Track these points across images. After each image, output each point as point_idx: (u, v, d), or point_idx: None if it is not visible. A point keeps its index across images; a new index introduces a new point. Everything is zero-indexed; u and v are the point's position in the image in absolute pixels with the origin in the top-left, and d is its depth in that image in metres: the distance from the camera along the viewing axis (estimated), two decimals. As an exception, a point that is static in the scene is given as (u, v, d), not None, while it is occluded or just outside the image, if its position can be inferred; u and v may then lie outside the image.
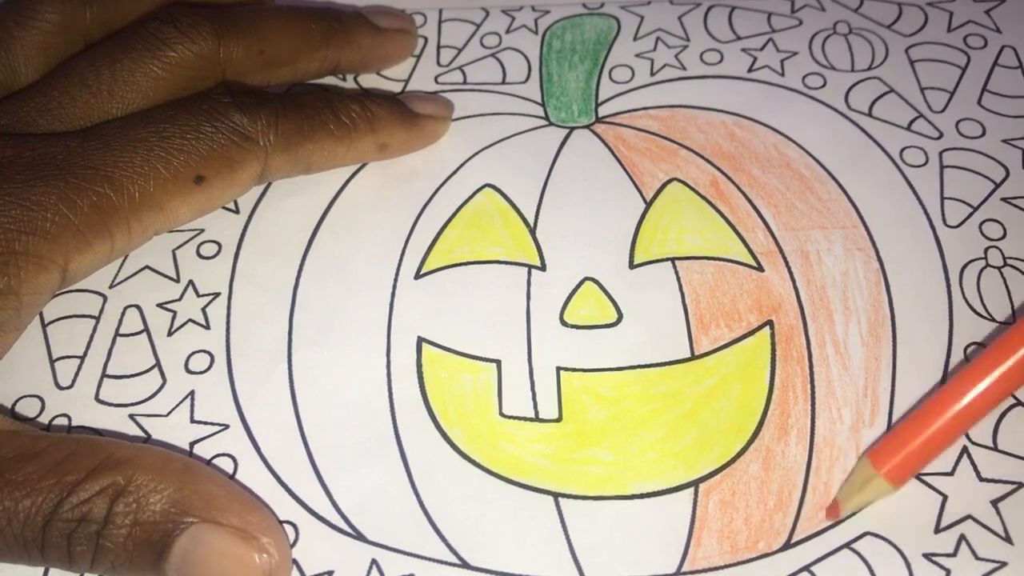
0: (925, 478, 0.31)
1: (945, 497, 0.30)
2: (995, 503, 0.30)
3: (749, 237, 0.36)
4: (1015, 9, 0.43)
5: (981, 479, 0.30)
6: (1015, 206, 0.36)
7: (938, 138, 0.38)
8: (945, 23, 0.42)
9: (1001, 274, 0.35)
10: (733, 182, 0.37)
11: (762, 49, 0.42)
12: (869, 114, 0.39)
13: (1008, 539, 0.29)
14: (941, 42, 0.42)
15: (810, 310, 0.34)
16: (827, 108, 0.40)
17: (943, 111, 0.39)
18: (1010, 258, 0.35)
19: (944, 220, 0.36)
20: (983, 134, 0.38)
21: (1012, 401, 0.32)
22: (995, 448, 0.31)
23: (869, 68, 0.41)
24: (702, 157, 0.38)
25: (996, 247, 0.35)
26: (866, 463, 0.30)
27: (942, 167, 0.38)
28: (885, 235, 0.36)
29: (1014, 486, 0.30)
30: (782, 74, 0.41)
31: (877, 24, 0.42)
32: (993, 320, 0.34)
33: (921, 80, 0.40)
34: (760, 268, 0.35)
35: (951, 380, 0.31)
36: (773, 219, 0.36)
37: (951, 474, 0.31)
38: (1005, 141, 0.38)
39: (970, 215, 0.36)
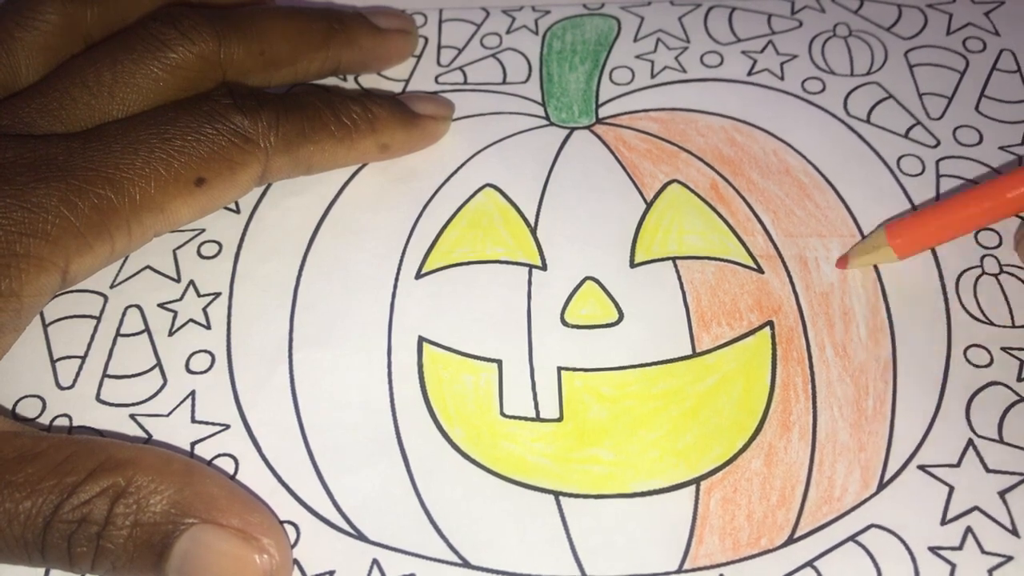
0: (931, 470, 0.31)
1: (952, 488, 0.30)
2: (1002, 494, 0.30)
3: (749, 240, 0.36)
4: (1014, 11, 0.43)
5: (988, 470, 0.31)
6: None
7: (935, 146, 0.38)
8: (944, 25, 0.42)
9: (998, 280, 0.35)
10: (733, 186, 0.37)
11: (762, 51, 0.42)
12: (868, 121, 0.39)
13: (1015, 532, 0.29)
14: (940, 45, 0.42)
15: (809, 314, 0.34)
16: (826, 114, 0.40)
17: (941, 118, 0.39)
18: (1006, 265, 0.35)
19: None
20: (980, 141, 0.38)
21: (1016, 397, 0.32)
22: (1000, 440, 0.31)
23: (868, 73, 0.41)
24: (702, 160, 0.38)
25: (992, 255, 0.35)
26: (881, 232, 0.34)
27: (938, 176, 0.37)
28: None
29: (1021, 477, 0.30)
30: (782, 78, 0.41)
31: (877, 26, 0.42)
32: (991, 324, 0.34)
33: (920, 85, 0.40)
34: (760, 270, 0.35)
35: (978, 186, 0.35)
36: (772, 224, 0.36)
37: (957, 465, 0.31)
38: (1002, 148, 0.38)
39: (965, 224, 0.36)
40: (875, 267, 0.35)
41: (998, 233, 0.36)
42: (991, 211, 0.34)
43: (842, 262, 0.35)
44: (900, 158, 0.38)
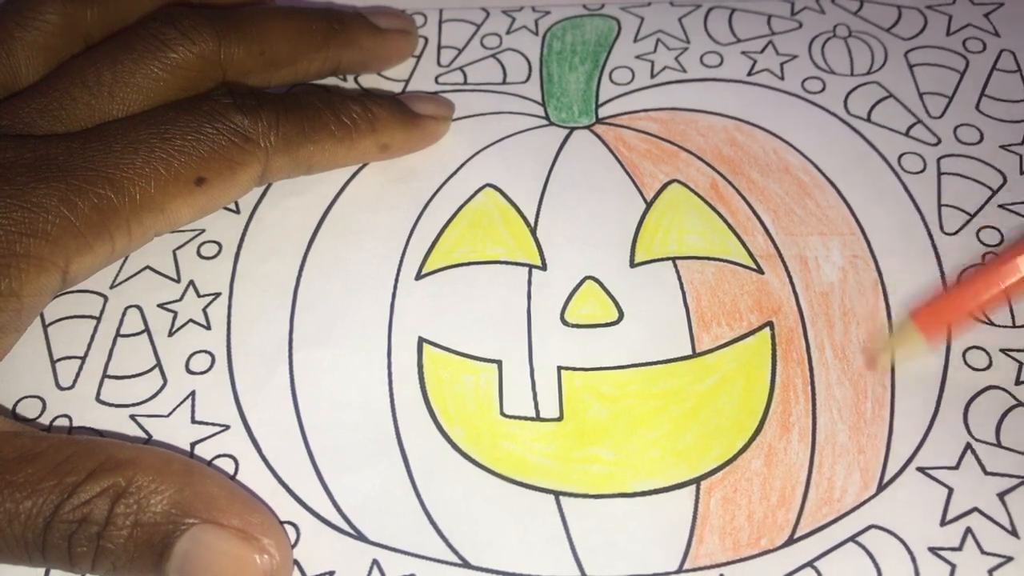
0: (930, 472, 0.31)
1: (951, 490, 0.30)
2: (1001, 496, 0.30)
3: (749, 240, 0.36)
4: (1014, 12, 0.43)
5: (986, 473, 0.31)
6: (1013, 212, 0.36)
7: (936, 144, 0.38)
8: (944, 26, 0.43)
9: (1000, 279, 0.35)
10: (733, 186, 0.37)
11: (762, 52, 0.42)
12: (868, 119, 0.39)
13: (1014, 532, 0.29)
14: (940, 46, 0.42)
15: (809, 314, 0.34)
16: (826, 113, 0.40)
17: (941, 116, 0.39)
18: (1008, 263, 0.35)
19: (941, 227, 0.36)
20: (981, 140, 0.38)
21: (1014, 401, 0.32)
22: (999, 445, 0.31)
23: (868, 72, 0.41)
24: (702, 160, 0.38)
25: (994, 254, 0.35)
26: (908, 321, 0.33)
27: (940, 174, 0.38)
28: (883, 243, 0.36)
29: (1020, 480, 0.30)
30: (782, 78, 0.41)
31: (876, 27, 0.42)
32: (992, 324, 0.34)
33: (920, 85, 0.40)
34: (760, 271, 0.35)
35: (988, 263, 0.34)
36: (772, 224, 0.36)
37: (956, 468, 0.31)
38: (1003, 147, 0.38)
39: (967, 222, 0.36)
40: (876, 266, 0.35)
41: (1000, 231, 0.36)
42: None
43: (871, 364, 0.33)
44: (901, 156, 0.38)
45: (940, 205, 0.37)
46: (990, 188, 0.37)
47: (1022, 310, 0.34)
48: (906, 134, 0.39)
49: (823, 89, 0.40)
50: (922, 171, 0.38)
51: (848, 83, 0.41)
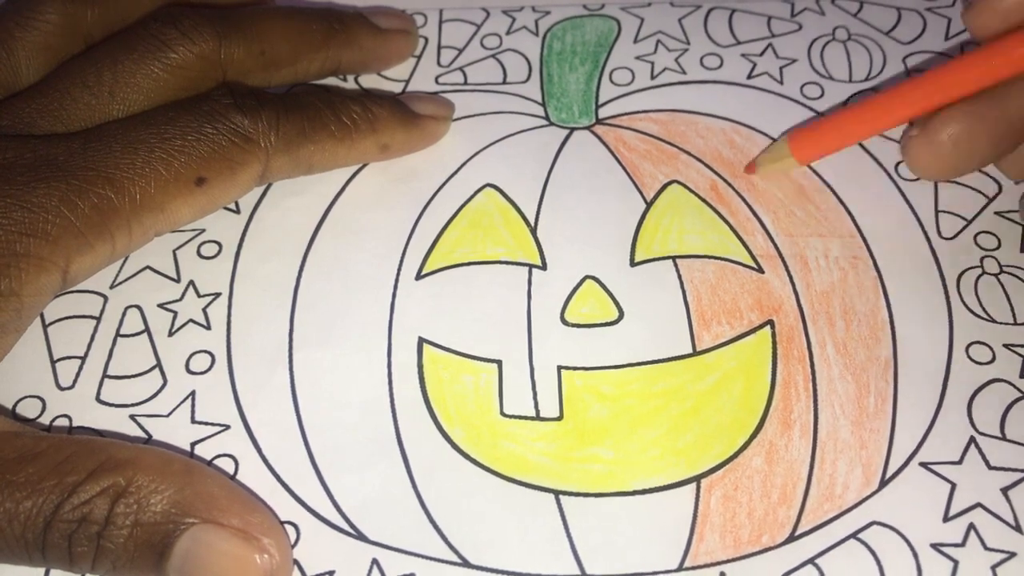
0: (933, 467, 0.31)
1: (954, 485, 0.30)
2: (1005, 491, 0.30)
3: (749, 240, 0.36)
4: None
5: (990, 467, 0.31)
6: (1009, 219, 0.36)
7: None
8: (943, 29, 0.43)
9: (999, 280, 0.35)
10: (732, 187, 0.38)
11: (761, 55, 0.42)
12: None
13: (1018, 527, 0.29)
14: (938, 51, 0.42)
15: (810, 313, 0.34)
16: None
17: None
18: (1007, 266, 0.35)
19: (939, 232, 0.36)
20: None
21: (1018, 394, 0.32)
22: (1003, 438, 0.31)
23: (867, 79, 0.41)
24: (702, 162, 0.38)
25: (992, 256, 0.35)
26: (784, 140, 0.37)
27: (936, 182, 0.38)
28: (882, 245, 0.36)
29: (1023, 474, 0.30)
30: (781, 82, 0.41)
31: (876, 30, 0.43)
32: (993, 321, 0.34)
33: (918, 90, 0.41)
34: (760, 270, 0.35)
35: (874, 96, 0.37)
36: (772, 224, 0.36)
37: (959, 463, 0.31)
38: None
39: (964, 227, 0.36)
40: (875, 266, 0.35)
41: (996, 236, 0.36)
42: (884, 120, 0.37)
43: (750, 168, 0.38)
44: (898, 164, 0.38)
45: (937, 211, 0.37)
46: (986, 196, 0.37)
47: (1022, 307, 0.34)
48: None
49: (822, 95, 0.40)
50: (919, 179, 0.38)
51: (847, 89, 0.41)
